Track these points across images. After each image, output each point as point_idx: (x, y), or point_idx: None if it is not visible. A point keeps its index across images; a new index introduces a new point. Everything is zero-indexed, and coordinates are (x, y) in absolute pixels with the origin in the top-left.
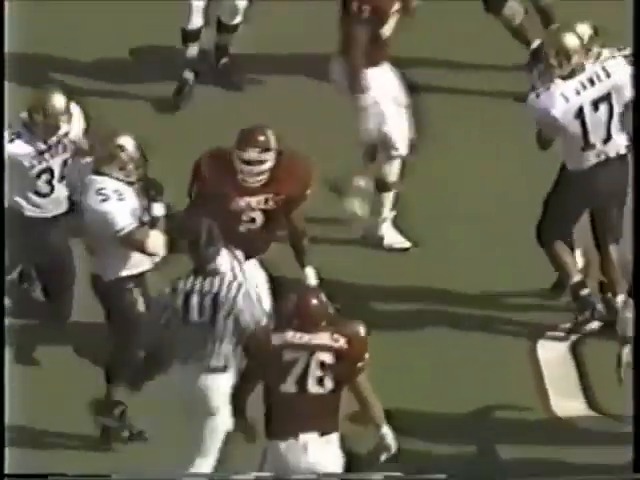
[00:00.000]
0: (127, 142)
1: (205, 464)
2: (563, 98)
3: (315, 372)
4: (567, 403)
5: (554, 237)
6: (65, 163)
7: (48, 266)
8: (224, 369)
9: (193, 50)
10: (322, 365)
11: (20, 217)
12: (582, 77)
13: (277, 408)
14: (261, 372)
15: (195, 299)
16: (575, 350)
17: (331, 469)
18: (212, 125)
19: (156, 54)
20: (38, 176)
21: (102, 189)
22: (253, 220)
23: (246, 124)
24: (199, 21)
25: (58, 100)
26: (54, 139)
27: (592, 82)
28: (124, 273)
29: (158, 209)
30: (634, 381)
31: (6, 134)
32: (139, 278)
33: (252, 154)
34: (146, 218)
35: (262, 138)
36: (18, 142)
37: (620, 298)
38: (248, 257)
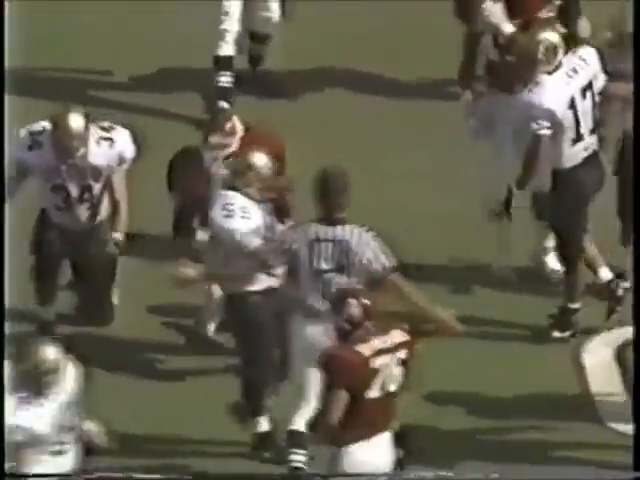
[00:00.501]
0: (260, 159)
1: (307, 411)
2: (556, 90)
3: (395, 371)
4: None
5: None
6: (85, 189)
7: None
8: None
9: (226, 79)
10: (402, 363)
11: (50, 220)
12: (565, 69)
13: (358, 414)
14: (348, 384)
15: (324, 246)
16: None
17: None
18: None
19: (187, 75)
20: (53, 190)
21: (228, 205)
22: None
23: (285, 132)
24: (230, 49)
25: (76, 121)
26: (70, 161)
27: (576, 71)
28: (250, 288)
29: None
30: (634, 381)
31: (27, 139)
32: (265, 294)
33: (217, 139)
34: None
35: (225, 122)
36: (36, 152)
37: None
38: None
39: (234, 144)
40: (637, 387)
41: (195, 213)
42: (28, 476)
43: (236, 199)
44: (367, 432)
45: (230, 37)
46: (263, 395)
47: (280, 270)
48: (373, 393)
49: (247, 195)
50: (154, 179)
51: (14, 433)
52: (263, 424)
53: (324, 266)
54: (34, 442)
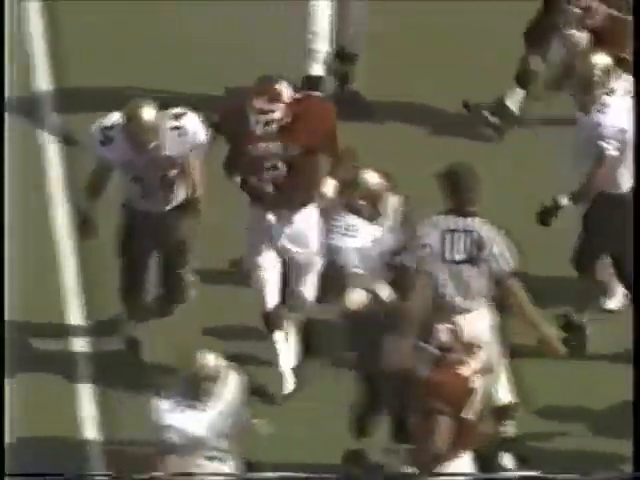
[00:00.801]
0: (372, 178)
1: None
2: (621, 111)
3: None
4: None
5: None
6: (162, 178)
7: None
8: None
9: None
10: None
11: (134, 210)
12: (619, 92)
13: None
14: (452, 408)
15: (457, 236)
16: None
17: None
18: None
19: None
20: (132, 181)
21: (337, 221)
22: (275, 167)
23: (373, 150)
24: (320, 69)
25: (148, 113)
26: (145, 154)
27: (627, 93)
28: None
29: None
30: (634, 380)
31: (99, 132)
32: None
33: (263, 103)
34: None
35: (273, 89)
36: (109, 147)
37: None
38: (278, 206)
39: (279, 111)
40: (637, 387)
41: (240, 162)
42: (28, 476)
43: (347, 217)
44: (455, 453)
45: (320, 57)
46: (374, 415)
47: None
48: (468, 413)
49: (358, 212)
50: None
51: (166, 432)
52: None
53: (457, 257)
54: (189, 444)
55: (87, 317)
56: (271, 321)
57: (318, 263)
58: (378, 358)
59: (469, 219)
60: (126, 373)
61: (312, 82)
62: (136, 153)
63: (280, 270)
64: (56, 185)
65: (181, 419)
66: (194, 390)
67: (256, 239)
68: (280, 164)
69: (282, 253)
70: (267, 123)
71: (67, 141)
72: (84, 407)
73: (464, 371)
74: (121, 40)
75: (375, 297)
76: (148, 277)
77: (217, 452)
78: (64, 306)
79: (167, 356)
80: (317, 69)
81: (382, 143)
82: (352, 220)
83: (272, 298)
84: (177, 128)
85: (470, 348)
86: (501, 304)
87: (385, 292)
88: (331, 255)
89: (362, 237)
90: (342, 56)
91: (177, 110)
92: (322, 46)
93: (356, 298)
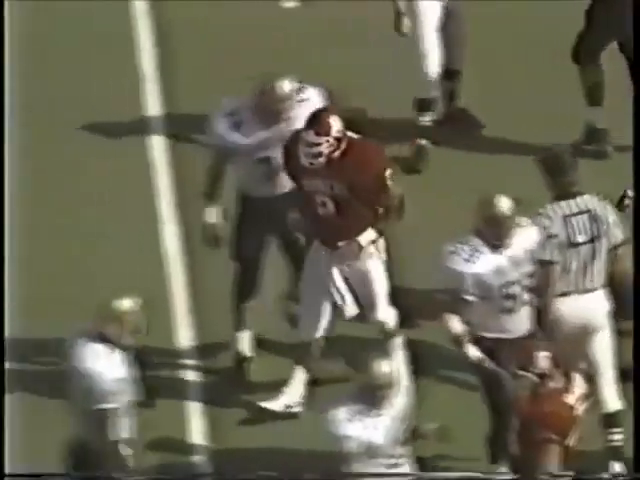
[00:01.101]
0: (504, 203)
1: None
2: None
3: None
4: None
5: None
6: (286, 151)
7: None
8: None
9: (428, 118)
10: None
11: (250, 199)
12: None
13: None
14: (560, 437)
15: (578, 219)
16: None
17: None
18: (458, 165)
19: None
20: (258, 162)
21: (458, 245)
22: (324, 204)
23: (486, 165)
24: (432, 91)
25: (285, 85)
26: (275, 128)
27: None
28: (493, 335)
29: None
30: (634, 380)
31: (225, 119)
32: (512, 344)
33: (311, 136)
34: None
35: (324, 122)
36: (241, 130)
37: None
38: (326, 243)
39: (325, 144)
40: (637, 387)
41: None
42: (28, 476)
43: (473, 241)
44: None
45: (431, 79)
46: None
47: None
48: (573, 440)
49: (484, 237)
50: None
51: (346, 443)
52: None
53: (579, 239)
54: (369, 453)
55: (196, 336)
56: None
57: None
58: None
59: (579, 199)
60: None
61: (424, 104)
62: (267, 130)
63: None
64: (165, 203)
65: (359, 428)
66: (370, 398)
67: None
68: (328, 202)
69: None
70: (314, 156)
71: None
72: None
73: (569, 399)
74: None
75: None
76: (262, 277)
77: (394, 459)
78: (174, 324)
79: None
80: (429, 91)
81: (491, 161)
82: (477, 245)
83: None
84: (305, 100)
85: (568, 375)
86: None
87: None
88: (447, 278)
89: (483, 264)
90: (447, 74)
91: (299, 83)
92: (432, 67)
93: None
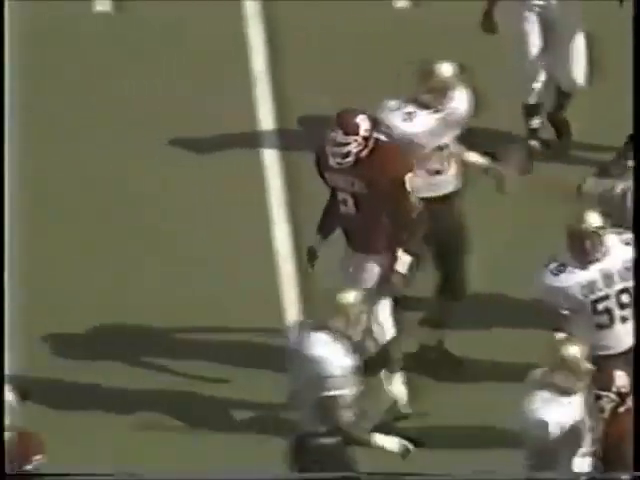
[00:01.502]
0: (593, 219)
1: None
2: None
3: None
4: None
5: None
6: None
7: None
8: None
9: (536, 122)
10: None
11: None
12: None
13: None
14: None
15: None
16: None
17: None
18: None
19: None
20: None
21: (552, 260)
22: (345, 202)
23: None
24: (536, 98)
25: (446, 69)
26: (444, 114)
27: None
28: (604, 352)
29: None
30: (634, 380)
31: (400, 114)
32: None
33: (339, 135)
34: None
35: (352, 121)
36: (414, 121)
37: None
38: (351, 245)
39: (353, 144)
40: (637, 387)
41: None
42: (28, 475)
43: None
44: None
45: (536, 88)
46: None
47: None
48: None
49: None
50: None
51: (545, 426)
52: None
53: None
54: (569, 438)
55: None
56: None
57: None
58: None
59: None
60: None
61: (531, 109)
62: (436, 116)
63: None
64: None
65: (557, 412)
66: (561, 383)
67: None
68: (349, 200)
69: None
70: (343, 156)
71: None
72: None
73: None
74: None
75: None
76: None
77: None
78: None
79: None
80: (533, 98)
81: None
82: (566, 259)
83: None
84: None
85: None
86: None
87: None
88: (539, 293)
89: (572, 278)
90: (559, 92)
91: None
92: (536, 75)
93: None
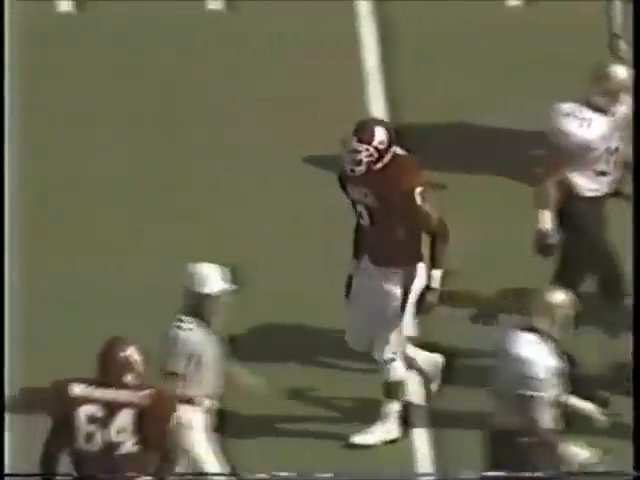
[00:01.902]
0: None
1: None
2: None
3: None
4: None
5: None
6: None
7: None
8: None
9: None
10: None
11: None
12: None
13: None
14: None
15: None
16: None
17: None
18: None
19: None
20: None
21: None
22: (361, 215)
23: None
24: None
25: (621, 72)
26: (616, 114)
27: None
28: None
29: None
30: (634, 381)
31: (575, 119)
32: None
33: (352, 143)
34: None
35: (368, 130)
36: (592, 127)
37: None
38: (371, 257)
39: (365, 152)
40: (637, 387)
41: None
42: (28, 476)
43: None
44: None
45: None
46: None
47: None
48: None
49: None
50: None
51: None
52: None
53: None
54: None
55: None
56: None
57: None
58: None
59: None
60: None
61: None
62: (608, 120)
63: None
64: None
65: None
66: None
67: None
68: (363, 211)
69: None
70: (355, 163)
71: None
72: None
73: None
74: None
75: None
76: None
77: None
78: None
79: None
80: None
81: None
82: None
83: None
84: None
85: None
86: None
87: None
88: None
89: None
90: None
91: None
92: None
93: None
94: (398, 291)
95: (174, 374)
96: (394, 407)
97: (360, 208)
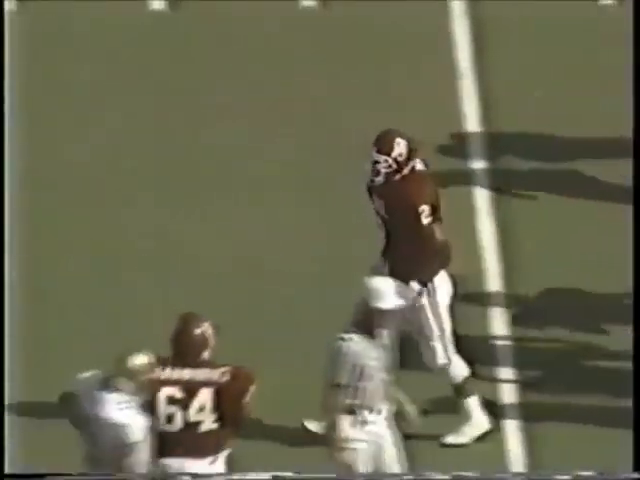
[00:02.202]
0: None
1: None
2: None
3: None
4: None
5: None
6: None
7: None
8: None
9: None
10: None
11: None
12: None
13: None
14: None
15: None
16: None
17: None
18: None
19: None
20: None
21: None
22: (379, 225)
23: None
24: None
25: None
26: None
27: None
28: None
29: None
30: (634, 380)
31: None
32: None
33: (373, 153)
34: None
35: (388, 141)
36: None
37: None
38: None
39: (383, 165)
40: (637, 387)
41: None
42: (28, 476)
43: None
44: None
45: None
46: None
47: None
48: None
49: None
50: None
51: None
52: None
53: None
54: None
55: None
56: None
57: None
58: None
59: None
60: None
61: None
62: None
63: None
64: (487, 236)
65: None
66: None
67: None
68: (380, 222)
69: None
70: (374, 174)
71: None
72: None
73: None
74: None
75: None
76: None
77: None
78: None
79: None
80: None
81: None
82: None
83: None
84: None
85: None
86: None
87: None
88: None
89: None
90: None
91: None
92: None
93: None
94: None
95: (338, 385)
96: (473, 401)
97: (377, 218)
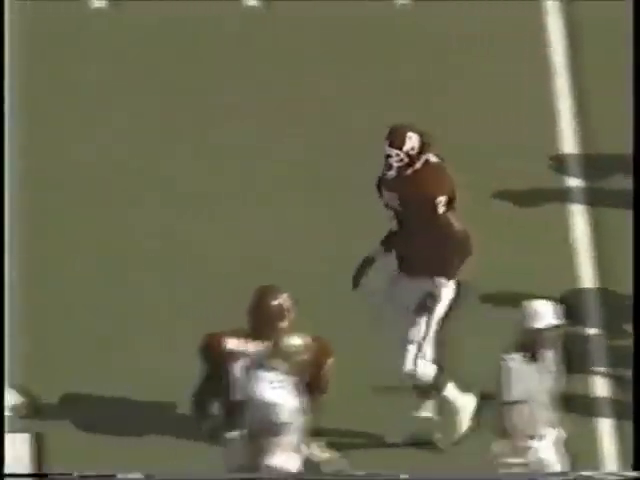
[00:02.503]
0: None
1: None
2: None
3: None
4: None
5: None
6: None
7: None
8: None
9: None
10: None
11: None
12: None
13: None
14: None
15: None
16: None
17: None
18: None
19: None
20: None
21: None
22: (391, 219)
23: None
24: None
25: None
26: None
27: None
28: None
29: None
30: (634, 380)
31: None
32: None
33: (385, 147)
34: None
35: (400, 135)
36: None
37: None
38: (398, 263)
39: (395, 158)
40: (637, 387)
41: None
42: (28, 476)
43: None
44: None
45: None
46: None
47: None
48: None
49: None
50: None
51: None
52: None
53: None
54: None
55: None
56: None
57: None
58: None
59: None
60: None
61: None
62: None
63: None
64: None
65: None
66: None
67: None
68: (393, 216)
69: None
70: (386, 167)
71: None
72: None
73: None
74: None
75: None
76: None
77: None
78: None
79: None
80: None
81: None
82: None
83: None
84: None
85: None
86: None
87: None
88: None
89: None
90: None
91: None
92: None
93: None
94: (416, 300)
95: (507, 404)
96: (451, 389)
97: (389, 212)
